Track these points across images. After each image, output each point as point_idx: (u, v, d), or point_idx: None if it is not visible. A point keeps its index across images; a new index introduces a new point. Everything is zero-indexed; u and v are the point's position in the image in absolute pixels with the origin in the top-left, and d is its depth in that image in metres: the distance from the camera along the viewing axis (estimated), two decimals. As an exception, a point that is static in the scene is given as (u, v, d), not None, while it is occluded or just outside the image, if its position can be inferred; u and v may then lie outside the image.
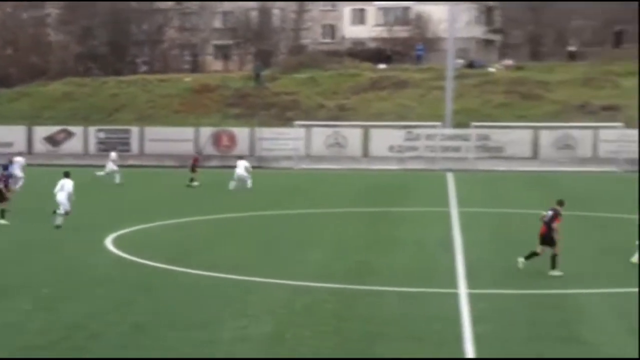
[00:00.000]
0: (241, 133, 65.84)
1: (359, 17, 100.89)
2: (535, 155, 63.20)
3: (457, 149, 63.39)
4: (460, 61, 77.39)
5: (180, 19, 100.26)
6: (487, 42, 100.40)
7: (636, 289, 20.98)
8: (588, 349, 15.90)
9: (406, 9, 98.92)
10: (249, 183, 44.41)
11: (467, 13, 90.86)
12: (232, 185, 44.34)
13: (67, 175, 31.31)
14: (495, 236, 29.91)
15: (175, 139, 65.35)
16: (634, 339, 16.61)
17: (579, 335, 16.87)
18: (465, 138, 63.54)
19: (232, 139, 65.81)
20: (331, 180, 51.94)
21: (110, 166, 49.18)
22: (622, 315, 18.47)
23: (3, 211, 31.65)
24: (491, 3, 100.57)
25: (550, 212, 23.00)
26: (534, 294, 20.68)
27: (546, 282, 21.92)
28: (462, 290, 20.84)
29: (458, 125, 64.90)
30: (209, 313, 18.48)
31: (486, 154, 62.77)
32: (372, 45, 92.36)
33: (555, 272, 22.59)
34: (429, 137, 64.03)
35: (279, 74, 79.14)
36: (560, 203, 23.40)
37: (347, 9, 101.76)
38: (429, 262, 24.92)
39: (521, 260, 23.02)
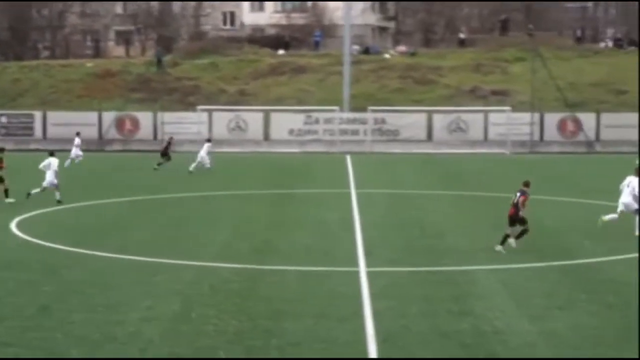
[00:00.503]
0: (144, 117, 65.12)
1: (258, 5, 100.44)
2: (429, 138, 64.02)
3: (355, 132, 63.79)
4: (357, 47, 77.84)
5: (81, 4, 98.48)
6: (382, 29, 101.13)
7: (524, 265, 21.47)
8: (481, 323, 16.23)
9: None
10: (208, 164, 44.99)
11: (362, 1, 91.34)
12: (192, 166, 44.26)
13: (51, 154, 33.30)
14: (392, 216, 30.24)
15: (78, 123, 64.16)
16: (523, 312, 17.01)
17: (472, 309, 17.18)
18: (362, 122, 63.97)
19: (135, 123, 65.06)
20: (234, 163, 51.76)
21: (75, 151, 49.07)
22: (513, 290, 18.89)
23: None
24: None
25: (518, 194, 23.15)
26: (429, 270, 21.00)
27: (440, 259, 22.29)
28: (362, 268, 21.04)
29: (355, 109, 65.25)
30: (117, 295, 18.30)
31: (383, 137, 63.33)
32: (271, 31, 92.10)
33: (513, 243, 22.90)
34: (327, 121, 64.27)
35: (180, 59, 78.35)
36: (526, 184, 23.55)
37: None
38: (330, 241, 25.08)
39: (499, 248, 22.97)
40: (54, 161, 32.60)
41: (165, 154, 46.69)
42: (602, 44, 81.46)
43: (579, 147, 62.64)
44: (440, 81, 72.37)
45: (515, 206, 23.05)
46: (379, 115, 63.82)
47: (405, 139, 63.30)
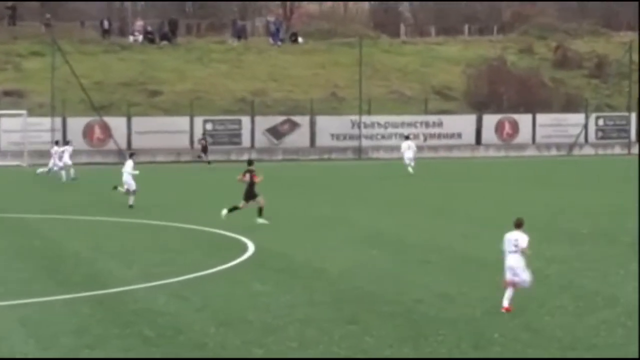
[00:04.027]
0: None
1: None
2: None
3: None
4: None
5: None
6: None
7: (49, 297, 21.42)
8: None
9: None
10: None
11: None
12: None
13: (130, 155, 39.61)
14: None
15: None
16: (48, 354, 16.94)
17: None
18: None
19: None
20: None
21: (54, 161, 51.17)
22: (34, 329, 18.56)
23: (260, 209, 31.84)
24: None
25: None
26: None
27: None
28: None
29: None
30: None
31: None
32: None
33: None
34: None
35: None
36: None
37: None
38: None
39: None
40: (128, 163, 37.69)
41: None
42: (132, 38, 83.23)
43: (109, 157, 63.35)
44: None
45: None
46: None
47: None
